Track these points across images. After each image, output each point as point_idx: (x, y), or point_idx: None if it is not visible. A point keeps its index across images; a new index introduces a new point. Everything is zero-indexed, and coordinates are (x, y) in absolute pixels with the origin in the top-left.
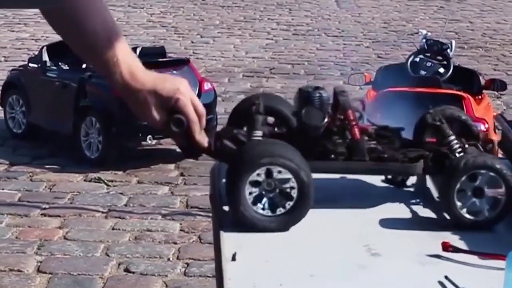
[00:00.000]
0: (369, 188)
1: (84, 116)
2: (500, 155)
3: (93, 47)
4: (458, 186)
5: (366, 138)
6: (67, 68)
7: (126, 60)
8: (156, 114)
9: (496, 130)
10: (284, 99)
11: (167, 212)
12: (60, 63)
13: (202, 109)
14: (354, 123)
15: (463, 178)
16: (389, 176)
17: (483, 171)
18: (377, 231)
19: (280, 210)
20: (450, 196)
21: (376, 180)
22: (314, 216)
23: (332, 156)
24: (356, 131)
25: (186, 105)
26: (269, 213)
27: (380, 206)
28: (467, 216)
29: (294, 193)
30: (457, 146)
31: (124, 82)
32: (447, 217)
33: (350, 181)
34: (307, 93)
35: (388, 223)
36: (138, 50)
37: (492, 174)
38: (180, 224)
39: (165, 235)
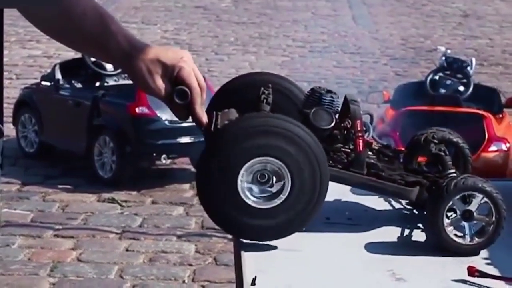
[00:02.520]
0: (390, 211)
1: (98, 135)
2: None
3: (83, 28)
4: (447, 207)
5: (367, 152)
6: (80, 86)
7: (120, 31)
8: (160, 84)
9: None
10: (292, 88)
11: (182, 233)
12: (73, 81)
13: (203, 82)
14: (360, 134)
15: (452, 200)
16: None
17: (473, 193)
18: (400, 255)
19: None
20: (439, 217)
21: (399, 202)
22: (336, 239)
23: (330, 162)
24: (361, 142)
25: (190, 74)
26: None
27: (402, 229)
28: (454, 239)
29: (287, 188)
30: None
31: (122, 51)
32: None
33: (370, 203)
34: (319, 94)
35: (411, 247)
36: None
37: (481, 196)
38: (196, 245)
39: (180, 257)
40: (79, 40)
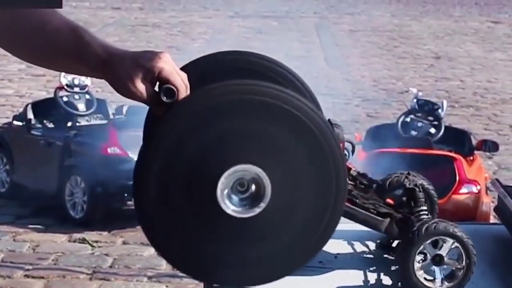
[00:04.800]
0: (361, 255)
1: (69, 175)
2: (493, 220)
3: (57, 42)
4: (418, 251)
5: None
6: (52, 126)
7: (94, 40)
8: (142, 87)
9: (488, 192)
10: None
11: (153, 273)
12: (45, 121)
13: (186, 80)
14: None
15: (423, 244)
16: (379, 241)
17: (444, 238)
18: None
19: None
20: (409, 261)
21: (366, 245)
22: (308, 282)
23: None
24: None
25: (172, 73)
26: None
27: (372, 273)
28: (424, 283)
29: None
30: (425, 218)
31: (100, 60)
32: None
33: (341, 247)
34: None
35: None
36: (124, 109)
37: (452, 241)
38: (166, 286)
39: None
40: (55, 56)
